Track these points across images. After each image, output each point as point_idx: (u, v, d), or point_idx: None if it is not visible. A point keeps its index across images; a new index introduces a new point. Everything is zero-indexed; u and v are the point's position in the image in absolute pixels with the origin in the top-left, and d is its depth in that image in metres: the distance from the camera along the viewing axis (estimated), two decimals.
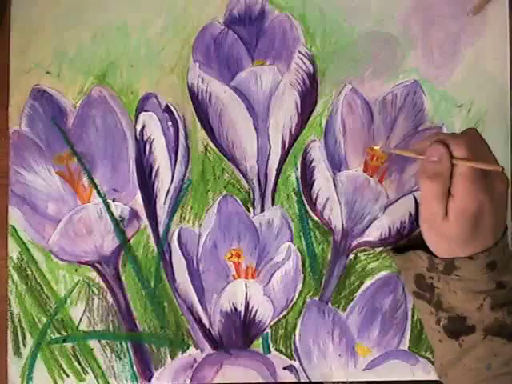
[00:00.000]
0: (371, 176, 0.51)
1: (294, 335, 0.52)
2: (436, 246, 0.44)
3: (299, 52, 0.52)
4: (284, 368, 0.52)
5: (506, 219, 0.45)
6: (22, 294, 0.51)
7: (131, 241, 0.51)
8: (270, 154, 0.52)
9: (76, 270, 0.51)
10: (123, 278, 0.51)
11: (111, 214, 0.51)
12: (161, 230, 0.51)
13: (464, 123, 0.52)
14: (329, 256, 0.52)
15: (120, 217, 0.51)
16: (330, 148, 0.52)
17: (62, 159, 0.51)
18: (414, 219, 0.51)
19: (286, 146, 0.52)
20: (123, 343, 0.51)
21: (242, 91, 0.51)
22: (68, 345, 0.51)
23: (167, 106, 0.51)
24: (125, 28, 0.52)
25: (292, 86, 0.52)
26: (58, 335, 0.51)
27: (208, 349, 0.51)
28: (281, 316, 0.52)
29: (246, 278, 0.51)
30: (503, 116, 0.52)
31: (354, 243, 0.52)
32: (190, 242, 0.51)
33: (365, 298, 0.52)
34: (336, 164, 0.52)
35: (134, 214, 0.51)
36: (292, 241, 0.52)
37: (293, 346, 0.52)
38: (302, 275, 0.52)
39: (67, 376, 0.51)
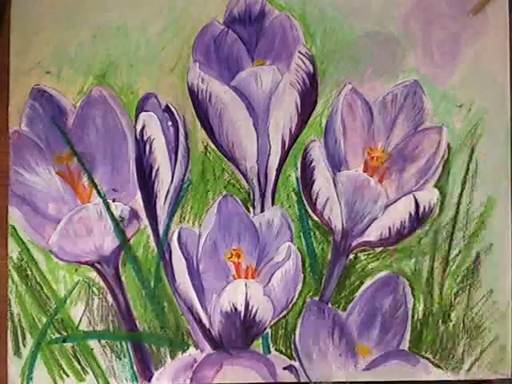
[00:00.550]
0: (371, 176, 0.51)
1: (294, 335, 0.52)
2: None
3: (299, 52, 0.52)
4: (284, 368, 0.52)
5: None
6: (21, 294, 0.51)
7: (131, 241, 0.51)
8: (270, 154, 0.52)
9: (76, 270, 0.51)
10: (123, 278, 0.51)
11: (111, 214, 0.51)
12: (161, 230, 0.51)
13: (464, 123, 0.52)
14: (329, 256, 0.52)
15: (120, 217, 0.51)
16: (330, 148, 0.52)
17: (62, 159, 0.51)
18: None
19: (286, 145, 0.52)
20: (123, 343, 0.51)
21: (242, 91, 0.51)
22: (68, 345, 0.51)
23: (167, 105, 0.51)
24: (125, 28, 0.52)
25: (292, 86, 0.52)
26: (57, 335, 0.51)
27: (208, 349, 0.51)
28: (281, 316, 0.52)
29: (246, 277, 0.51)
30: (503, 116, 0.52)
31: (354, 243, 0.52)
32: (189, 242, 0.51)
33: (365, 298, 0.52)
34: (336, 164, 0.52)
35: (133, 214, 0.51)
36: (292, 241, 0.52)
37: (293, 345, 0.52)
38: (302, 275, 0.52)
39: (67, 376, 0.51)
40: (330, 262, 0.52)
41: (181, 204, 0.51)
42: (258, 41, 0.52)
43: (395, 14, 0.52)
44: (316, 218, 0.52)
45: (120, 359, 0.51)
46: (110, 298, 0.51)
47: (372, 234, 0.52)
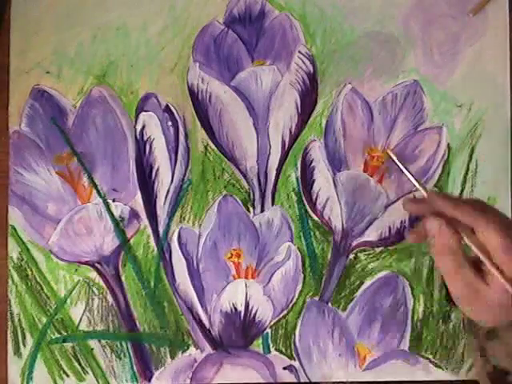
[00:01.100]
0: (371, 176, 0.51)
1: (294, 335, 0.52)
2: (479, 317, 0.41)
3: (299, 52, 0.52)
4: (284, 368, 0.52)
5: None
6: (21, 294, 0.51)
7: (131, 241, 0.51)
8: (270, 154, 0.52)
9: (76, 270, 0.51)
10: (123, 278, 0.51)
11: (111, 214, 0.51)
12: (161, 229, 0.51)
13: (464, 123, 0.52)
14: (329, 256, 0.52)
15: (120, 217, 0.51)
16: (329, 148, 0.52)
17: (62, 159, 0.51)
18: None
19: (286, 145, 0.52)
20: (123, 343, 0.51)
21: (242, 91, 0.51)
22: (68, 345, 0.51)
23: (167, 106, 0.51)
24: (125, 28, 0.52)
25: (292, 86, 0.52)
26: (58, 335, 0.51)
27: (208, 349, 0.51)
28: (281, 316, 0.52)
29: (246, 278, 0.51)
30: (503, 116, 0.52)
31: (354, 243, 0.52)
32: (189, 242, 0.51)
33: (365, 298, 0.52)
34: (336, 164, 0.52)
35: (133, 214, 0.51)
36: (292, 241, 0.52)
37: (293, 346, 0.52)
38: (302, 275, 0.52)
39: (67, 376, 0.51)
40: (330, 262, 0.52)
41: (181, 204, 0.51)
42: (257, 41, 0.52)
43: (395, 14, 0.52)
44: (316, 218, 0.52)
45: (120, 359, 0.51)
46: (110, 298, 0.51)
47: (372, 234, 0.52)
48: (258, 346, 0.52)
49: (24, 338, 0.51)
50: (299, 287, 0.52)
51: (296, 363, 0.52)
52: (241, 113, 0.51)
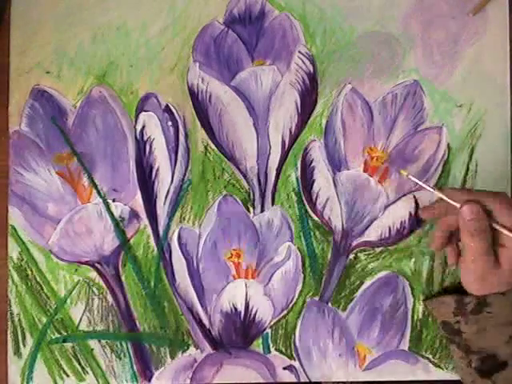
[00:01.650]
0: (371, 176, 0.51)
1: (294, 335, 0.52)
2: (483, 291, 0.46)
3: (299, 52, 0.52)
4: (284, 368, 0.52)
5: None
6: (21, 294, 0.51)
7: (131, 241, 0.51)
8: (269, 153, 0.52)
9: (76, 270, 0.51)
10: (123, 278, 0.51)
11: (111, 214, 0.51)
12: (161, 229, 0.51)
13: (464, 123, 0.52)
14: (329, 256, 0.52)
15: (120, 217, 0.51)
16: (329, 148, 0.52)
17: (62, 159, 0.51)
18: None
19: (286, 145, 0.52)
20: (123, 343, 0.51)
21: (242, 91, 0.51)
22: (68, 345, 0.51)
23: (167, 106, 0.51)
24: (125, 28, 0.52)
25: (292, 86, 0.52)
26: (57, 335, 0.51)
27: (208, 349, 0.51)
28: (281, 316, 0.52)
29: (246, 277, 0.51)
30: (503, 116, 0.52)
31: (354, 243, 0.52)
32: (190, 242, 0.51)
33: (365, 298, 0.52)
34: (336, 164, 0.52)
35: (133, 214, 0.51)
36: (292, 241, 0.52)
37: (293, 345, 0.52)
38: (302, 275, 0.52)
39: (67, 376, 0.51)
40: (330, 262, 0.52)
41: (181, 204, 0.51)
42: (257, 41, 0.52)
43: (395, 14, 0.52)
44: (316, 218, 0.52)
45: (120, 359, 0.51)
46: (110, 298, 0.51)
47: (372, 234, 0.52)
48: (258, 346, 0.52)
49: (24, 338, 0.51)
50: (299, 287, 0.52)
51: (296, 363, 0.52)
52: (241, 113, 0.51)
